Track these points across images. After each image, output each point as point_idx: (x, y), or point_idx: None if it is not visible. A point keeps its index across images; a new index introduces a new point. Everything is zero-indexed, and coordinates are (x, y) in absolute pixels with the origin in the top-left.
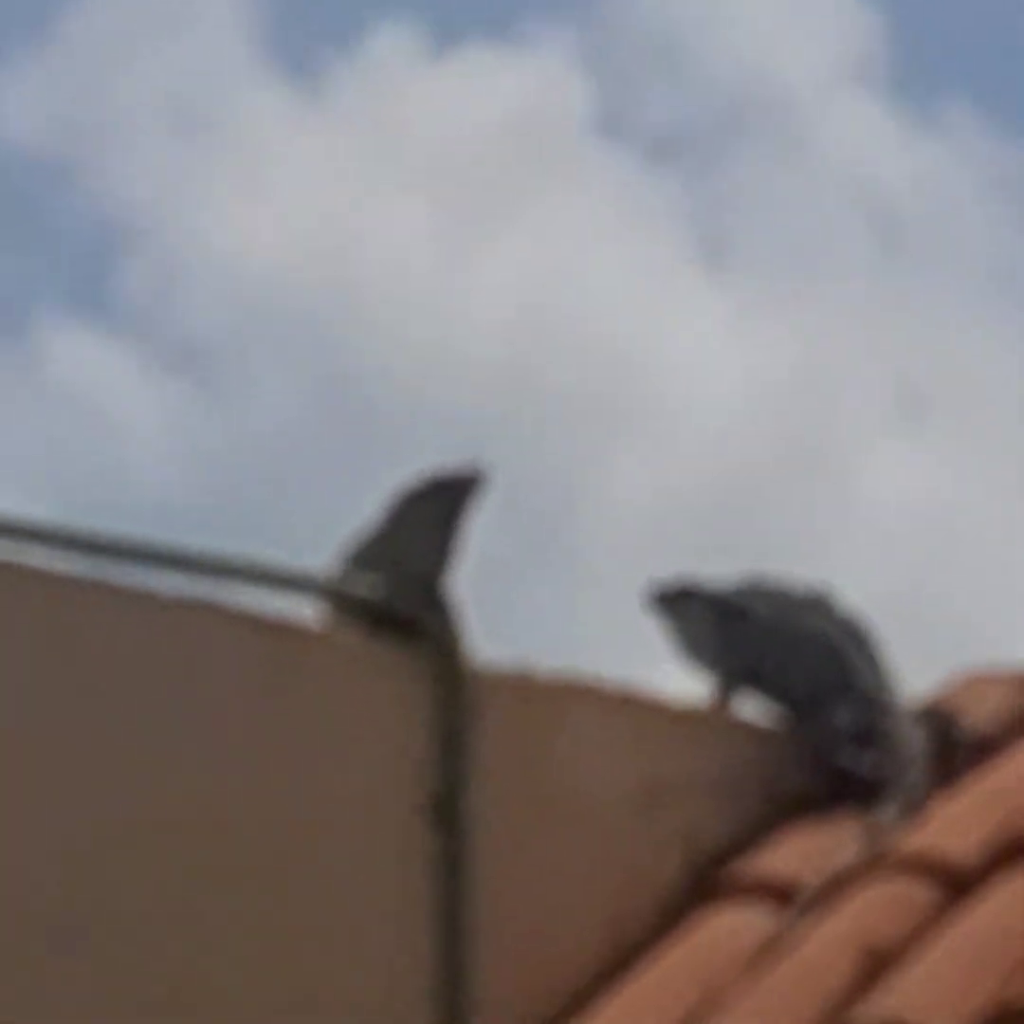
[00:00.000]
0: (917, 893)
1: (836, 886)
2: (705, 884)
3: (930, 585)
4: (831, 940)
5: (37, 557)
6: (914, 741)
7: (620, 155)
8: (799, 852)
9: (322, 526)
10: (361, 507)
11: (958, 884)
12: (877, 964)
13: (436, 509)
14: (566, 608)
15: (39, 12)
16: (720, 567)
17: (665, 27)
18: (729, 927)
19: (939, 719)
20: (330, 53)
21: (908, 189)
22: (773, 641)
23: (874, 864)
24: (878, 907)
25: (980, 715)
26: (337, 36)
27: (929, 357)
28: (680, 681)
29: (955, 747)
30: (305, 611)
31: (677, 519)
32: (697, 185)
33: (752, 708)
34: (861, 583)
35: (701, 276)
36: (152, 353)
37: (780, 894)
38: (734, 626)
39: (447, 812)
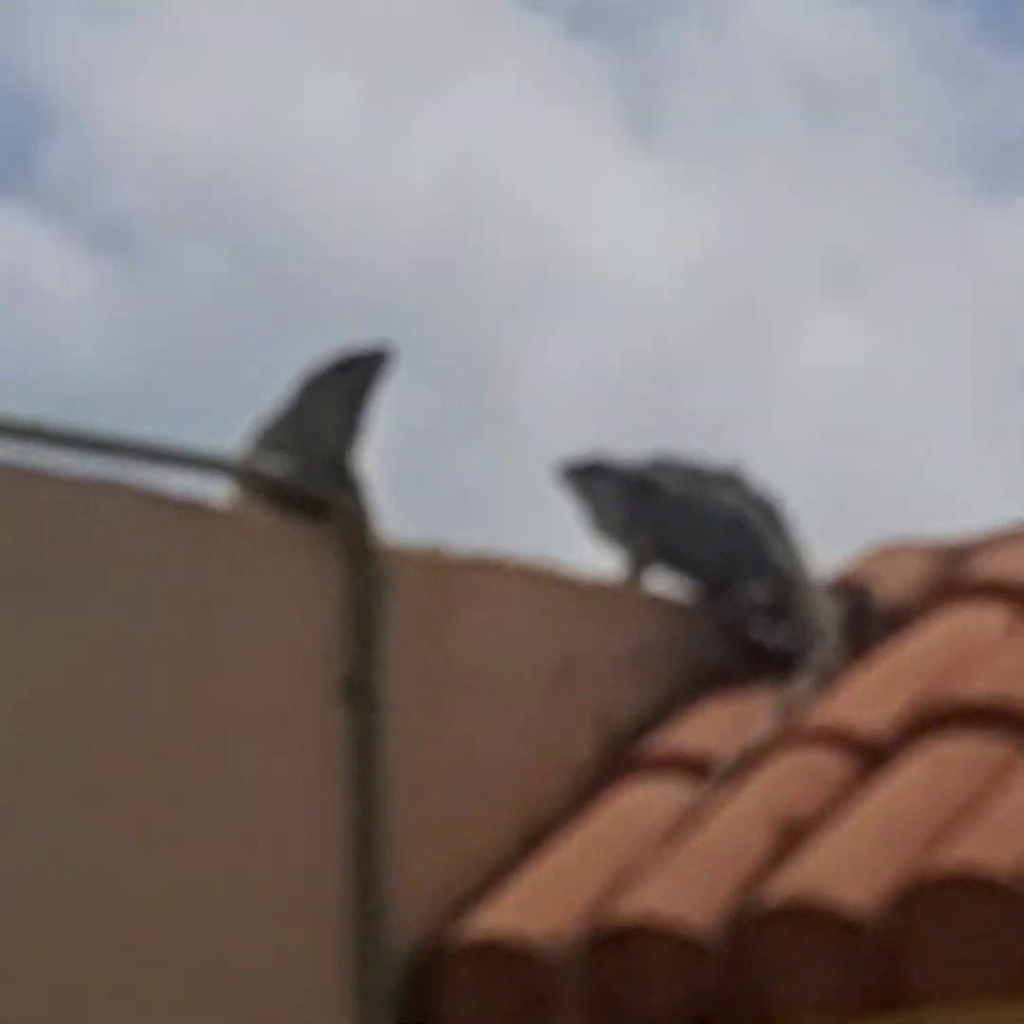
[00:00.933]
0: (830, 765)
1: (750, 759)
2: (619, 758)
3: (862, 455)
4: (745, 813)
5: None
6: (827, 614)
7: (543, 26)
8: (713, 725)
9: (248, 399)
10: (286, 381)
11: (871, 756)
12: (790, 836)
13: (342, 388)
14: (494, 480)
15: None
16: (650, 442)
17: None
18: (643, 801)
19: (853, 591)
20: None
21: (835, 59)
22: (683, 517)
23: (787, 736)
24: (791, 779)
25: (894, 587)
26: None
27: (860, 227)
28: (596, 559)
29: (869, 619)
30: (215, 491)
31: (606, 392)
32: (622, 57)
33: (664, 583)
34: (793, 455)
35: (628, 148)
36: (77, 230)
37: (694, 767)
38: (644, 501)
39: (358, 690)
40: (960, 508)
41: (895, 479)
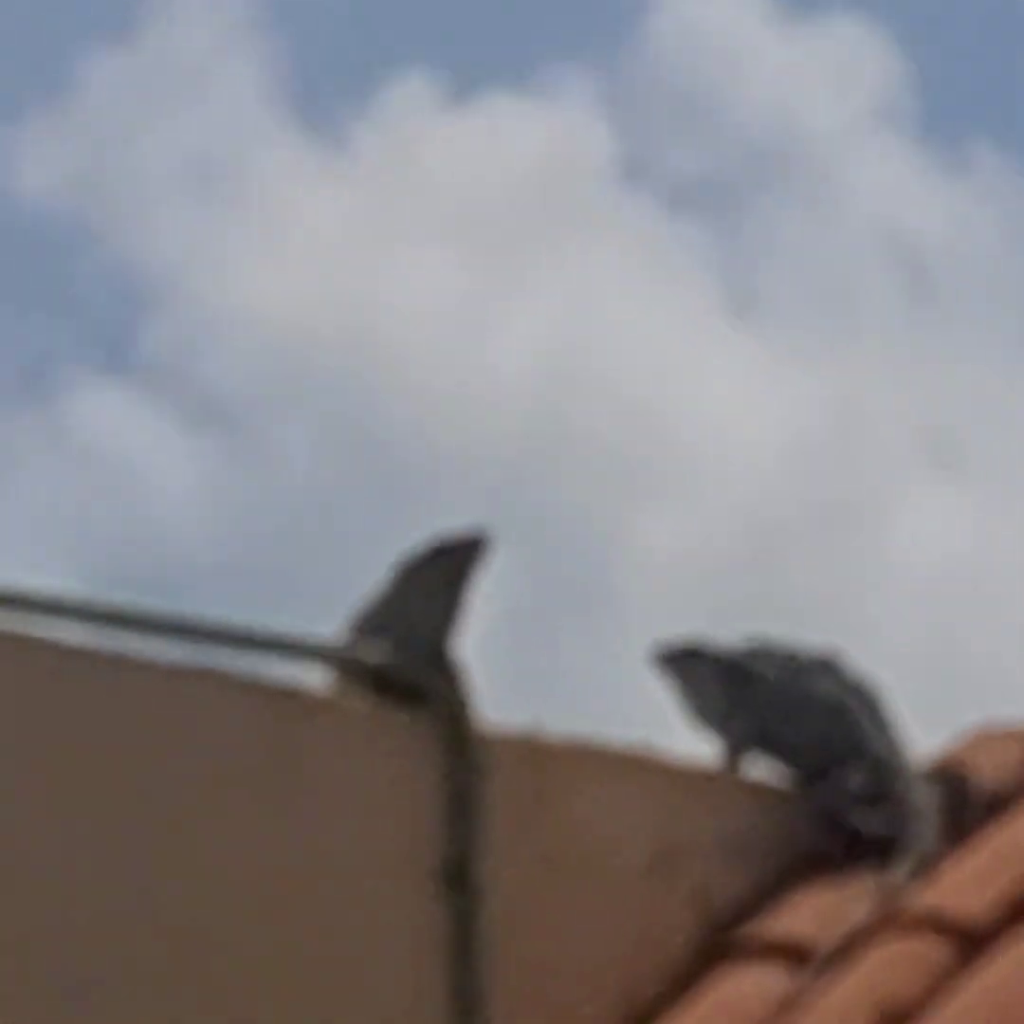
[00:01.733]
0: (930, 952)
1: (850, 946)
2: (718, 946)
3: (964, 640)
4: (846, 1000)
5: (47, 629)
6: (925, 800)
7: (643, 203)
8: (812, 912)
9: (348, 584)
10: (384, 566)
11: (971, 942)
12: (891, 1022)
13: (439, 574)
14: (594, 663)
15: (56, 64)
16: (749, 626)
17: (686, 73)
18: (743, 989)
19: (950, 777)
20: (349, 107)
21: (937, 234)
22: (781, 704)
23: (887, 923)
24: (892, 966)
25: (991, 772)
26: (355, 89)
27: (962, 406)
28: (695, 743)
29: (966, 805)
30: (312, 678)
31: (707, 575)
32: (722, 234)
33: (762, 770)
34: (895, 639)
35: (729, 327)
36: (177, 412)
37: (794, 955)
38: (741, 688)
39: (458, 878)
40: None
41: (1001, 664)
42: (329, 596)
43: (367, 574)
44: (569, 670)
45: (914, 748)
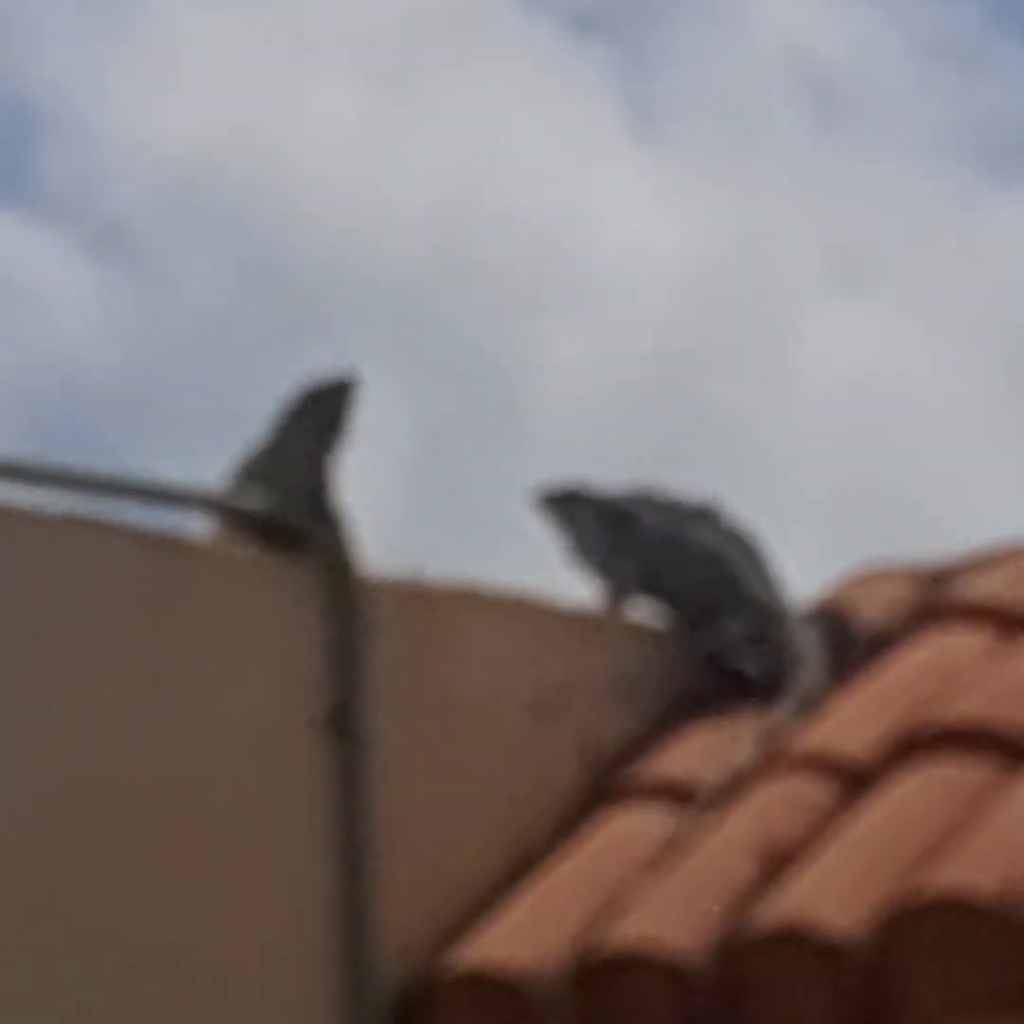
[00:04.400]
0: (814, 791)
1: (733, 785)
2: (603, 788)
3: (872, 458)
4: (730, 840)
5: None
6: (808, 641)
7: (544, 27)
8: (696, 753)
9: (250, 415)
10: (294, 383)
11: (855, 781)
12: (776, 863)
13: (311, 420)
14: (504, 488)
15: None
16: (660, 445)
17: None
18: (629, 829)
19: (833, 617)
20: None
21: (841, 53)
22: (661, 550)
23: (771, 763)
24: (775, 806)
25: (875, 611)
26: None
27: (868, 222)
28: (578, 585)
29: (849, 645)
30: (196, 526)
31: (614, 397)
32: (624, 57)
33: (645, 612)
34: (805, 459)
35: (632, 147)
36: (77, 238)
37: (679, 795)
38: (622, 532)
39: (342, 724)
40: (974, 512)
41: (909, 484)
42: (227, 426)
43: (265, 405)
44: (478, 494)
45: (798, 589)
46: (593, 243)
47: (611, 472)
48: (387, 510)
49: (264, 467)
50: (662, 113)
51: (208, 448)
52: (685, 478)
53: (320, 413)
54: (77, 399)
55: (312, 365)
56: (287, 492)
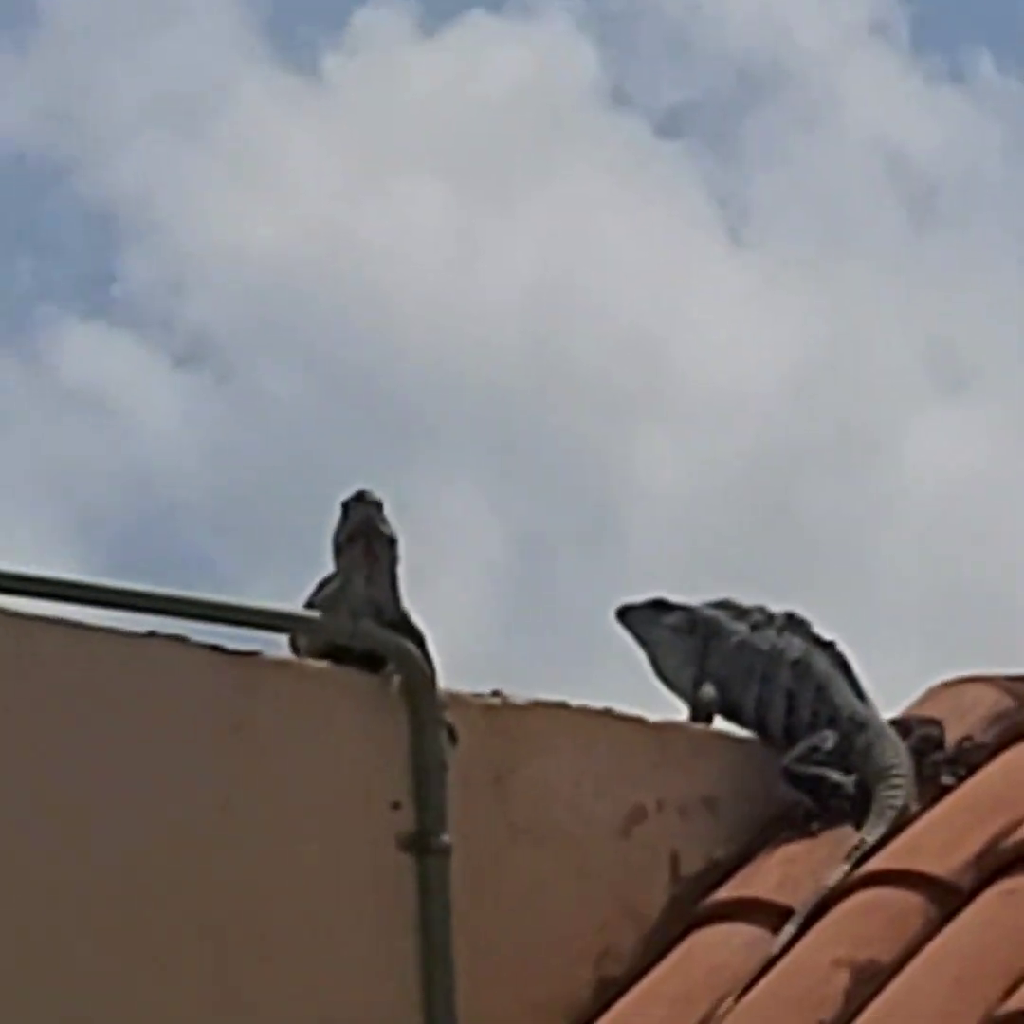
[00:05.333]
0: (906, 909)
1: (825, 904)
2: (693, 906)
3: (975, 564)
4: (822, 958)
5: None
6: (898, 754)
7: (632, 127)
8: (787, 870)
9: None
10: (393, 493)
11: (946, 898)
12: (868, 981)
13: (345, 538)
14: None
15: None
16: (757, 549)
17: None
18: (720, 949)
19: (924, 729)
20: (323, 36)
21: (935, 146)
22: (747, 661)
23: (862, 880)
24: (868, 924)
25: (966, 723)
26: (329, 18)
27: (967, 323)
28: (662, 698)
29: (941, 757)
30: (275, 645)
31: (710, 504)
32: (715, 157)
33: (731, 725)
34: (904, 567)
35: (725, 246)
36: (161, 350)
37: (770, 914)
38: (705, 643)
39: (424, 842)
40: None
41: (1008, 593)
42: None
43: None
44: (571, 601)
45: (890, 699)
46: (688, 345)
47: (706, 578)
48: (480, 617)
49: (329, 588)
50: (755, 212)
51: (299, 561)
52: (781, 585)
53: (342, 528)
54: (163, 512)
55: (404, 474)
56: (353, 614)
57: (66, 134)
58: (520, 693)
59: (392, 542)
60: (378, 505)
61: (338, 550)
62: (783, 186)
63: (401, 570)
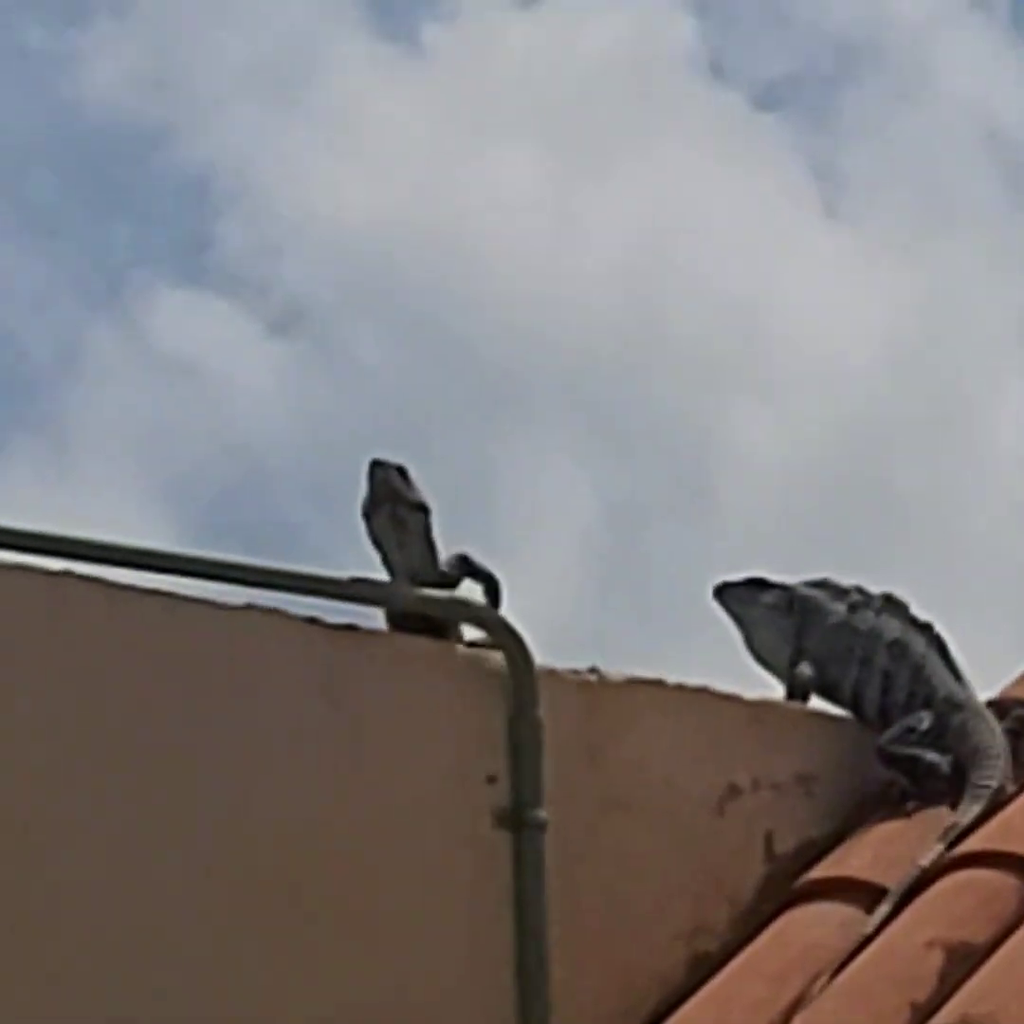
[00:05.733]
0: (1001, 888)
1: (920, 884)
2: (787, 885)
3: None
4: (916, 939)
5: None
6: (993, 734)
7: (729, 98)
8: (883, 849)
9: (439, 492)
10: (489, 462)
11: None
12: (962, 961)
13: (384, 519)
14: (694, 566)
15: None
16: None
17: None
18: (814, 928)
19: (1019, 711)
20: (422, 5)
21: None
22: (845, 641)
23: (957, 861)
24: (962, 904)
25: None
26: None
27: None
28: (757, 675)
29: None
30: (372, 617)
31: (805, 477)
32: (812, 129)
33: (827, 705)
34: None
35: (821, 220)
36: (258, 318)
37: (865, 893)
38: (803, 623)
39: (519, 817)
40: None
41: None
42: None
43: (455, 480)
44: (664, 572)
45: (985, 679)
46: (783, 318)
47: (798, 554)
48: (574, 587)
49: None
50: (851, 186)
51: None
52: (875, 560)
53: (367, 498)
54: (261, 481)
55: (498, 443)
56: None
57: (164, 100)
58: (615, 668)
59: (419, 507)
60: (400, 470)
61: (367, 520)
62: (880, 159)
63: (437, 534)
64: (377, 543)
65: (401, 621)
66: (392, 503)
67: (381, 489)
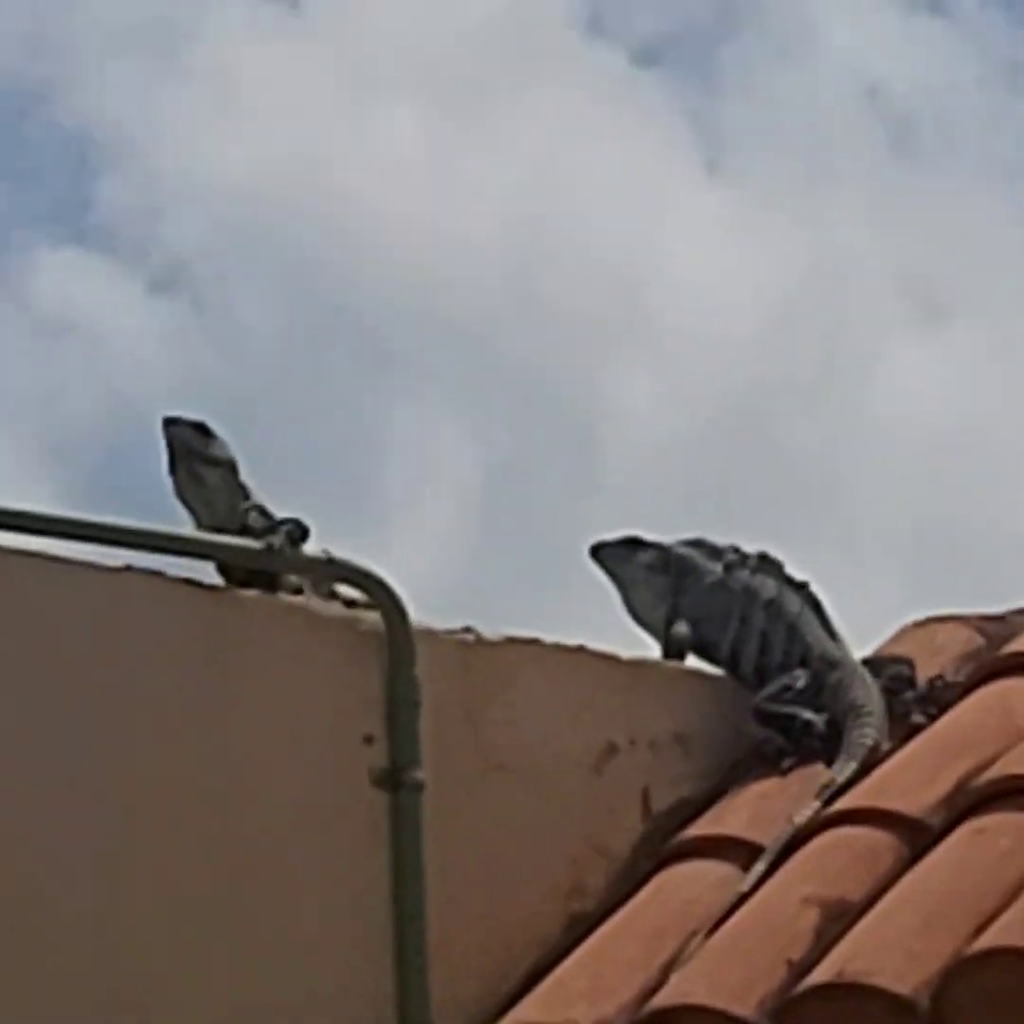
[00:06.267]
0: (876, 847)
1: (796, 842)
2: (664, 844)
3: (951, 496)
4: (792, 897)
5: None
6: (869, 693)
7: (609, 57)
8: (758, 807)
9: (320, 451)
10: (371, 422)
11: (916, 836)
12: (837, 919)
13: (184, 477)
14: (574, 525)
15: None
16: (737, 480)
17: None
18: (690, 887)
19: (896, 668)
20: None
21: (914, 78)
22: (719, 600)
23: (832, 819)
24: (838, 862)
25: (937, 662)
26: None
27: (945, 256)
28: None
29: (912, 696)
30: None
31: (688, 438)
32: (693, 87)
33: (703, 664)
34: (881, 501)
35: (702, 178)
36: (139, 273)
37: (741, 851)
38: (678, 582)
39: (396, 778)
40: None
41: (981, 526)
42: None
43: (337, 439)
44: (546, 534)
45: (865, 636)
46: (664, 277)
47: (683, 512)
48: (454, 544)
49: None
50: (732, 144)
51: (275, 489)
52: (759, 519)
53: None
54: (137, 440)
55: (379, 403)
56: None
57: (43, 59)
58: (493, 626)
59: (217, 461)
60: (197, 426)
61: (172, 477)
62: (762, 116)
63: (247, 483)
64: (183, 499)
65: (226, 573)
66: (188, 460)
67: (176, 447)
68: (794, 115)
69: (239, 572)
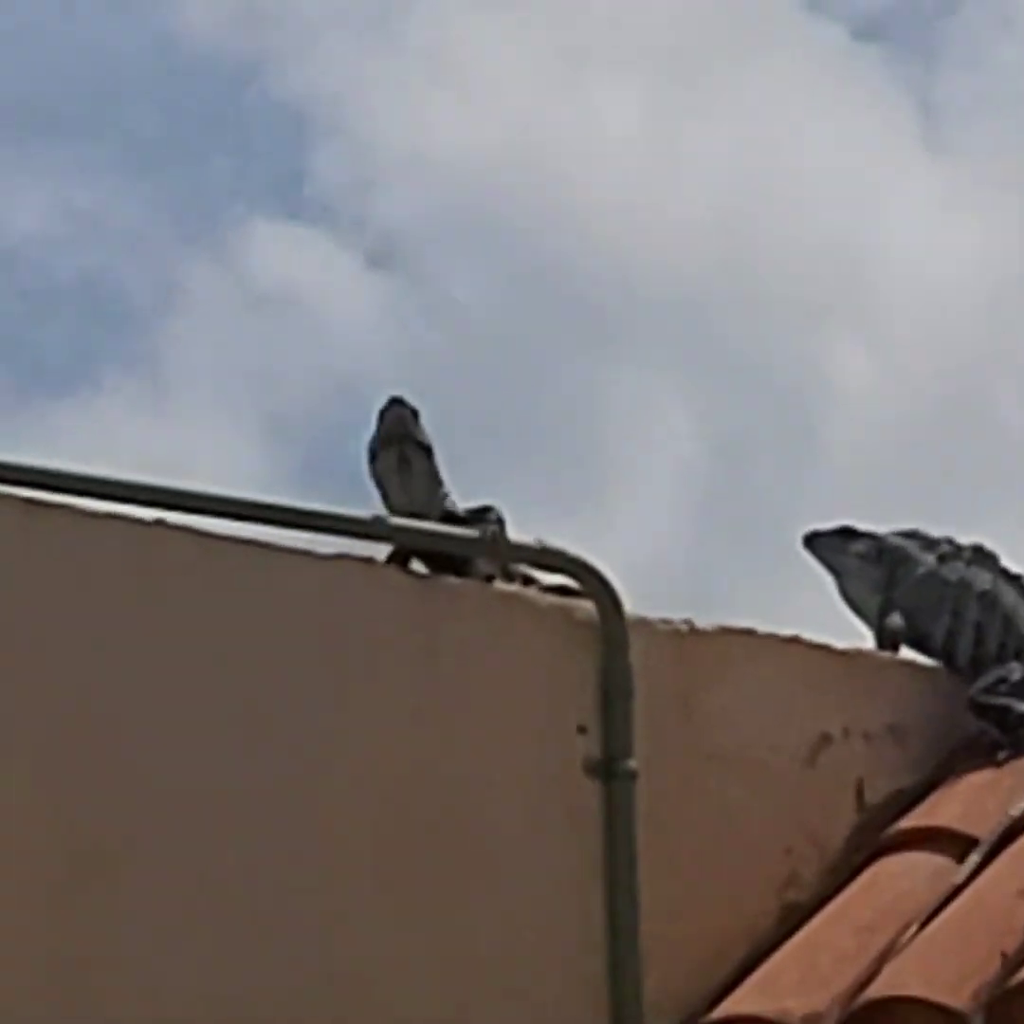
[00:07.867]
0: None
1: (1010, 833)
2: (878, 835)
3: None
4: (1007, 886)
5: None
6: None
7: (828, 30)
8: (974, 799)
9: (540, 429)
10: (590, 399)
11: None
12: None
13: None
14: (796, 503)
15: None
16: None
17: None
18: (904, 878)
19: None
20: None
21: None
22: (935, 591)
23: None
24: None
25: None
26: None
27: None
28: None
29: None
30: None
31: (904, 417)
32: (911, 60)
33: (917, 655)
34: None
35: (921, 153)
36: (354, 248)
37: (956, 842)
38: (893, 573)
39: (611, 767)
40: None
41: None
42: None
43: (556, 416)
44: (768, 512)
45: None
46: (884, 255)
47: (901, 495)
48: (670, 531)
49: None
50: (952, 118)
51: (494, 466)
52: (977, 501)
53: (376, 435)
54: (356, 416)
55: (598, 382)
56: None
57: (259, 33)
58: (710, 612)
59: (426, 448)
60: (413, 412)
61: (373, 457)
62: (984, 89)
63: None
64: (379, 481)
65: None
66: (400, 443)
67: (394, 428)
68: (1017, 87)
69: (439, 559)
